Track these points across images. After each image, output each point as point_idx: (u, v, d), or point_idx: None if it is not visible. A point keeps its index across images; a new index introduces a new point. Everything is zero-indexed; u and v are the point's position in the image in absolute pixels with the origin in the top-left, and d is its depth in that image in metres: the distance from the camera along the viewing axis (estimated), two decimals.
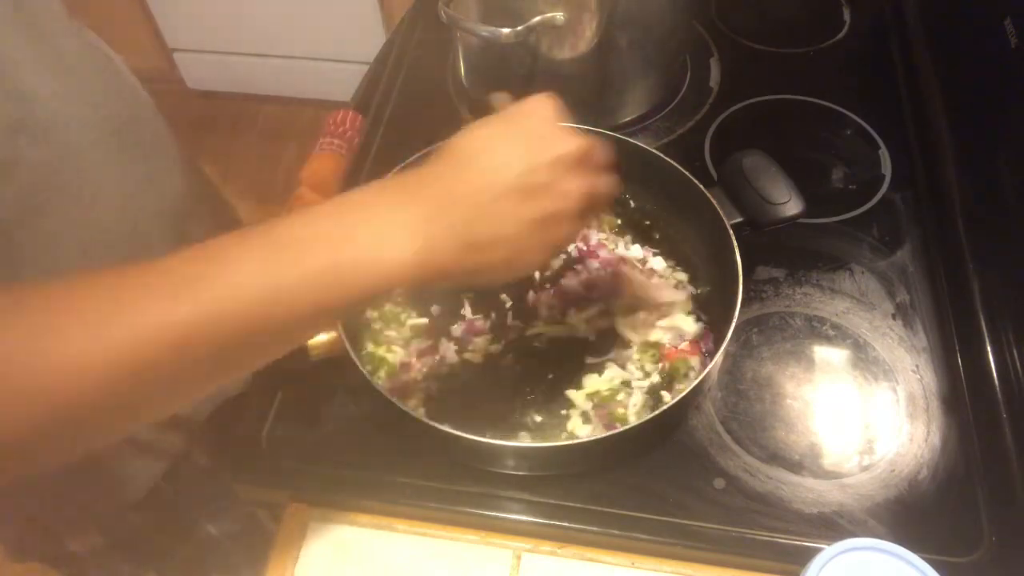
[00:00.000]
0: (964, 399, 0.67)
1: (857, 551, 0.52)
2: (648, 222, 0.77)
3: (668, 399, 0.64)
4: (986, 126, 0.79)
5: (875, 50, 0.98)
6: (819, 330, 0.72)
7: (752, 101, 0.91)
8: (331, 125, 0.86)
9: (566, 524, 0.61)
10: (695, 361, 0.68)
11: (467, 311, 0.72)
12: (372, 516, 0.64)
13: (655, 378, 0.67)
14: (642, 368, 0.68)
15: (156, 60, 2.24)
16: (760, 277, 0.76)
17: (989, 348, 0.69)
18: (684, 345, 0.69)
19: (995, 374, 0.67)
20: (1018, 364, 0.67)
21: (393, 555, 0.62)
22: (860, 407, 0.67)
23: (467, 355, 0.70)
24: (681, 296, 0.71)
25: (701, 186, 0.70)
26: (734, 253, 0.65)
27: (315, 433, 0.67)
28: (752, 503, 0.62)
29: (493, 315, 0.72)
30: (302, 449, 0.66)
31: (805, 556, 0.54)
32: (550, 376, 0.68)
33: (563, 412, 0.66)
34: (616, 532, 0.61)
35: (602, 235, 0.76)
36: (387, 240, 0.44)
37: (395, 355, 0.69)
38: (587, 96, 0.85)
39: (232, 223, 0.90)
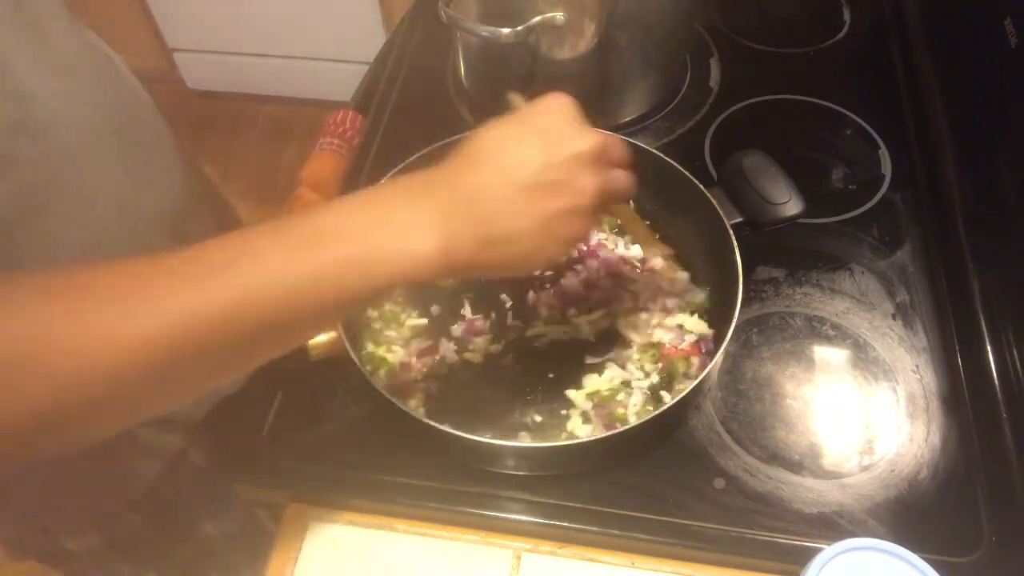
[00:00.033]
0: (964, 399, 0.67)
1: (857, 551, 0.52)
2: (648, 222, 0.77)
3: (668, 399, 0.64)
4: (986, 126, 0.79)
5: (875, 50, 0.98)
6: (819, 330, 0.72)
7: (752, 101, 0.91)
8: (331, 125, 0.86)
9: (566, 524, 0.61)
10: (695, 361, 0.68)
11: (467, 311, 0.72)
12: (372, 516, 0.64)
13: (655, 378, 0.67)
14: (642, 368, 0.68)
15: (156, 60, 2.24)
16: (760, 277, 0.76)
17: (989, 348, 0.69)
18: (684, 345, 0.69)
19: (995, 374, 0.67)
20: (1018, 364, 0.67)
21: (393, 555, 0.62)
22: (860, 407, 0.67)
23: (467, 355, 0.70)
24: (700, 296, 0.71)
25: (701, 186, 0.70)
26: (734, 253, 0.65)
27: (315, 433, 0.67)
28: (752, 503, 0.62)
29: (493, 315, 0.72)
30: (302, 449, 0.66)
31: (805, 556, 0.54)
32: (550, 376, 0.68)
33: (563, 412, 0.66)
34: (616, 532, 0.61)
35: (602, 235, 0.76)
36: (410, 232, 0.46)
37: (395, 355, 0.69)
38: (587, 96, 0.83)
39: (232, 223, 0.90)
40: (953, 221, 0.77)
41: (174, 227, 0.71)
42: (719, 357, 0.62)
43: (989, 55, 0.78)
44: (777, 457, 0.64)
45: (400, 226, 0.46)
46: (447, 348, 0.70)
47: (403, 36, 1.01)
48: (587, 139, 0.49)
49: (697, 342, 0.69)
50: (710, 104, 0.91)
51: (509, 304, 0.73)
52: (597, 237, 0.76)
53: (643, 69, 0.86)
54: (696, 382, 0.60)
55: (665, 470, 0.64)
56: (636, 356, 0.69)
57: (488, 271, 0.50)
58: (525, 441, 0.64)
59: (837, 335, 0.72)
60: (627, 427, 0.61)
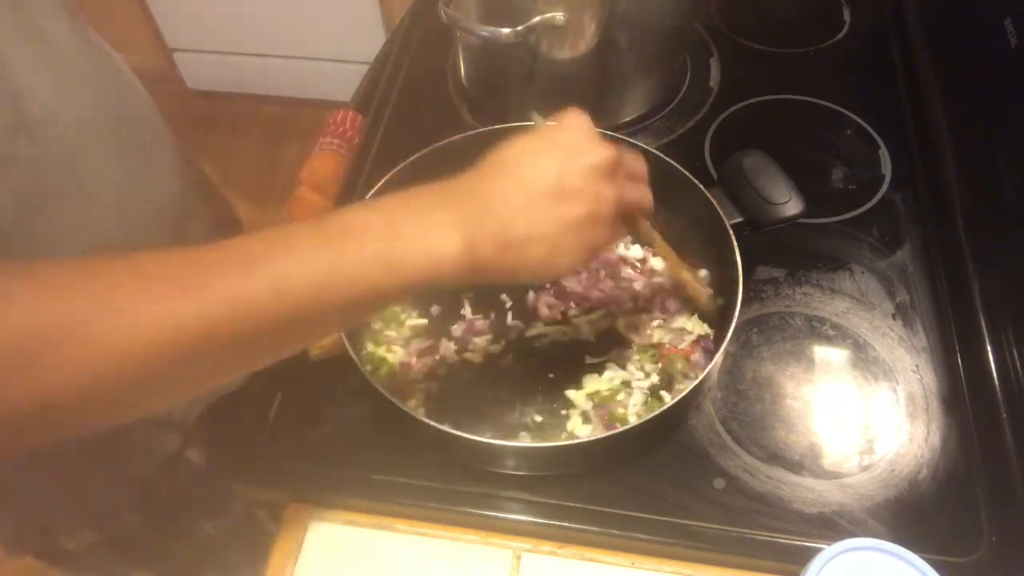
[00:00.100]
0: (964, 399, 0.67)
1: (857, 551, 0.52)
2: (648, 222, 0.77)
3: (668, 399, 0.64)
4: (986, 126, 0.79)
5: (875, 50, 0.98)
6: (819, 330, 0.72)
7: (752, 101, 0.91)
8: (331, 125, 0.86)
9: (566, 524, 0.61)
10: (695, 361, 0.68)
11: (467, 311, 0.72)
12: (372, 516, 0.64)
13: (655, 378, 0.67)
14: (642, 368, 0.68)
15: (156, 60, 2.24)
16: (760, 277, 0.76)
17: (989, 348, 0.69)
18: (684, 345, 0.69)
19: (995, 374, 0.67)
20: (1018, 364, 0.67)
21: (393, 555, 0.62)
22: (860, 407, 0.67)
23: (467, 355, 0.70)
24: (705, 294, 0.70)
25: (701, 186, 0.70)
26: (734, 253, 0.65)
27: (315, 433, 0.67)
28: (752, 503, 0.62)
29: (493, 315, 0.72)
30: (302, 449, 0.66)
31: (805, 556, 0.54)
32: (550, 376, 0.68)
33: (563, 412, 0.66)
34: (616, 532, 0.61)
35: None
36: (433, 232, 0.47)
37: (395, 355, 0.69)
38: (587, 96, 0.84)
39: (232, 223, 0.90)
40: (953, 221, 0.77)
41: (174, 227, 0.71)
42: (719, 357, 0.62)
43: (989, 55, 0.78)
44: (777, 457, 0.64)
45: (423, 226, 0.47)
46: (447, 348, 0.70)
47: (403, 36, 1.01)
48: (604, 152, 0.51)
49: (697, 342, 0.69)
50: (710, 104, 0.91)
51: (509, 304, 0.73)
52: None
53: (643, 69, 0.86)
54: (696, 382, 0.60)
55: (665, 470, 0.64)
56: (636, 356, 0.69)
57: (509, 275, 0.51)
58: (525, 441, 0.64)
59: (837, 335, 0.72)
60: (627, 427, 0.61)
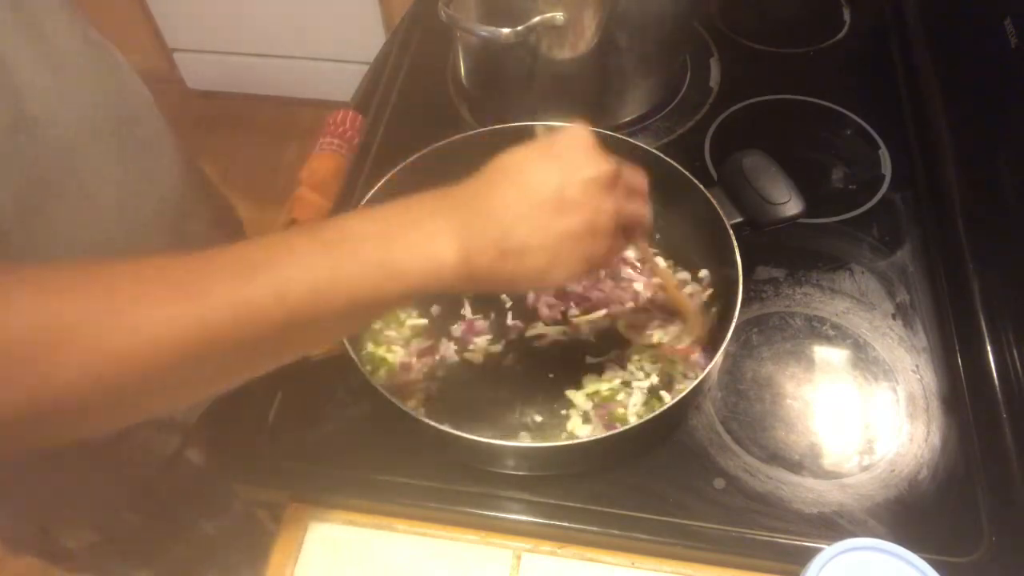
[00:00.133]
0: (964, 399, 0.67)
1: (857, 551, 0.52)
2: (647, 244, 0.77)
3: (668, 399, 0.65)
4: (986, 126, 0.79)
5: (875, 50, 0.98)
6: (819, 330, 0.72)
7: (752, 101, 0.91)
8: (331, 125, 0.86)
9: (566, 524, 0.61)
10: (695, 361, 0.68)
11: (467, 311, 0.72)
12: (372, 516, 0.64)
13: (655, 378, 0.67)
14: (642, 368, 0.68)
15: (156, 60, 2.24)
16: (760, 277, 0.76)
17: (989, 348, 0.69)
18: (684, 345, 0.69)
19: (995, 374, 0.67)
20: (1018, 364, 0.67)
21: (393, 555, 0.62)
22: (860, 407, 0.67)
23: (467, 355, 0.70)
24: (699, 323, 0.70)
25: (701, 186, 0.70)
26: (734, 253, 0.65)
27: (315, 433, 0.67)
28: (752, 503, 0.62)
29: (493, 315, 0.72)
30: (302, 449, 0.66)
31: (805, 556, 0.54)
32: (550, 376, 0.68)
33: (563, 412, 0.66)
34: (616, 532, 0.61)
35: None
36: (432, 239, 0.47)
37: (395, 355, 0.69)
38: (587, 96, 0.85)
39: (232, 223, 0.90)
40: (953, 221, 0.77)
41: (174, 226, 0.71)
42: (719, 357, 0.62)
43: (989, 55, 0.78)
44: (777, 457, 0.64)
45: (424, 233, 0.47)
46: (447, 348, 0.70)
47: (403, 36, 1.01)
48: (604, 165, 0.51)
49: (697, 342, 0.69)
50: (710, 104, 0.91)
51: (509, 304, 0.73)
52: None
53: (643, 69, 0.86)
54: (696, 382, 0.60)
55: (665, 470, 0.64)
56: (636, 356, 0.69)
57: (507, 284, 0.51)
58: (525, 441, 0.64)
59: (837, 335, 0.72)
60: (627, 427, 0.61)
